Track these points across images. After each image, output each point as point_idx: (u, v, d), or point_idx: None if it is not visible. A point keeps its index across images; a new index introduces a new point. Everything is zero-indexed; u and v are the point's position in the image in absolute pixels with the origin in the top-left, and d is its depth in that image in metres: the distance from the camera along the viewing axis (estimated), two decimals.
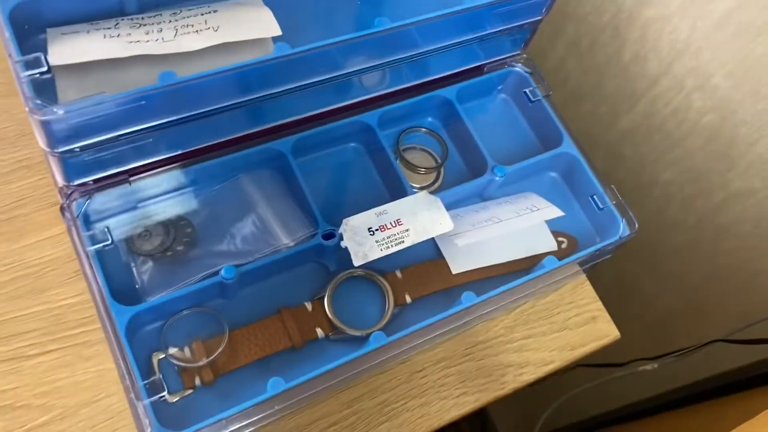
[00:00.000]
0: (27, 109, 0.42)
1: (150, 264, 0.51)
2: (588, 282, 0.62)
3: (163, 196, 0.53)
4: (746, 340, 0.75)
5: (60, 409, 0.49)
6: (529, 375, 0.58)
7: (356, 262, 0.50)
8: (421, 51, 0.55)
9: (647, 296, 0.95)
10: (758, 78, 0.67)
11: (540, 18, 0.58)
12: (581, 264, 0.56)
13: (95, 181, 0.49)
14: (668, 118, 0.79)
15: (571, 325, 0.60)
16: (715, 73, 0.71)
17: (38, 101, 0.42)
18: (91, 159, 0.47)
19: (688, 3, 0.69)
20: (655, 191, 0.87)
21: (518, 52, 0.62)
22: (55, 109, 0.42)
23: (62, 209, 0.49)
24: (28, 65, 0.43)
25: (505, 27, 0.57)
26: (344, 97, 0.56)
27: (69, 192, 0.49)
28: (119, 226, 0.51)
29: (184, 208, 0.53)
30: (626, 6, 0.76)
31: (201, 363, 0.48)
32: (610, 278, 0.96)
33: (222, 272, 0.48)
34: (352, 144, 0.59)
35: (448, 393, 0.55)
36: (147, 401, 0.44)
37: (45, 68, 0.43)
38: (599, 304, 0.61)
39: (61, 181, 0.48)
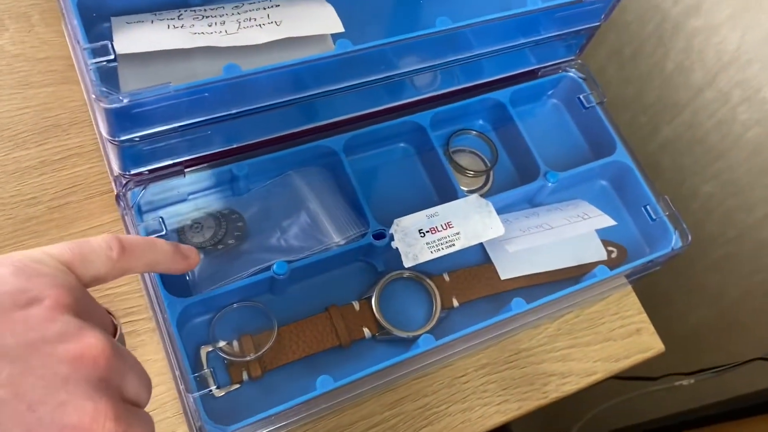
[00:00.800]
0: (92, 96, 0.42)
1: (201, 256, 0.50)
2: (633, 293, 0.61)
3: (215, 189, 0.53)
4: None
5: None
6: (572, 385, 0.57)
7: (406, 264, 0.50)
8: (477, 53, 0.54)
9: (681, 309, 0.94)
10: None
11: (598, 24, 0.58)
12: (630, 275, 0.55)
13: (150, 171, 0.49)
14: (711, 131, 0.78)
15: (616, 336, 0.59)
16: (764, 86, 0.70)
17: (104, 88, 0.42)
18: (149, 149, 0.47)
19: (738, 14, 0.68)
20: (695, 204, 0.86)
21: (572, 57, 0.61)
22: (120, 97, 0.42)
23: (117, 198, 0.49)
24: (95, 53, 0.43)
25: (562, 32, 0.57)
26: (397, 96, 0.56)
27: (125, 181, 0.49)
28: (171, 217, 0.52)
29: (235, 202, 0.53)
30: (671, 15, 0.75)
31: (249, 357, 0.48)
32: (644, 289, 0.95)
33: (273, 268, 0.48)
34: (402, 144, 0.59)
35: (490, 399, 0.55)
36: (196, 394, 0.44)
37: (111, 56, 0.43)
38: (644, 316, 0.61)
39: (117, 169, 0.48)
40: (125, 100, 0.42)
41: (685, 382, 0.74)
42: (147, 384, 0.32)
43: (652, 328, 0.61)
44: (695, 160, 0.83)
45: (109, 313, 0.33)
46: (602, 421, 1.01)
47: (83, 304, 0.30)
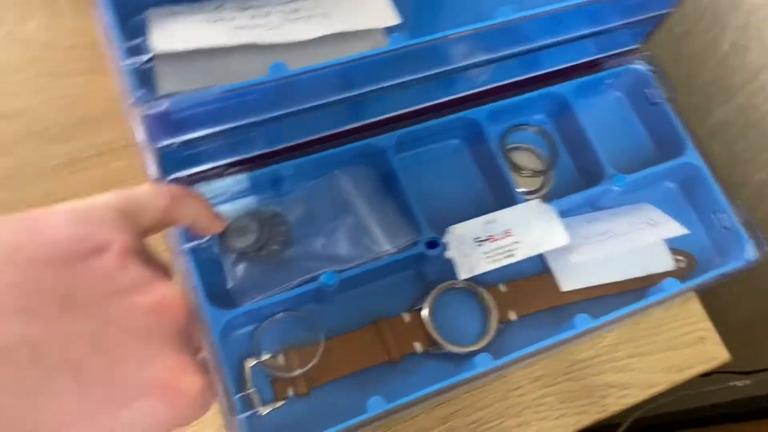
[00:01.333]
0: (129, 101, 0.38)
1: (244, 263, 0.47)
2: (696, 298, 0.57)
3: (257, 191, 0.50)
4: None
5: None
6: (632, 398, 0.54)
7: (462, 276, 0.47)
8: (538, 45, 0.50)
9: (734, 303, 0.90)
10: None
11: (668, 11, 0.53)
12: (701, 287, 0.51)
13: (190, 176, 0.45)
14: None
15: (679, 345, 0.56)
16: None
17: (141, 93, 0.38)
18: (189, 153, 0.43)
19: None
20: (746, 192, 0.81)
21: (636, 46, 0.56)
22: (159, 103, 0.38)
23: None
24: (131, 52, 0.39)
25: (629, 20, 0.52)
26: (451, 91, 0.52)
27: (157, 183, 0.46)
28: None
29: (278, 204, 0.50)
30: None
31: (296, 373, 0.45)
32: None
33: (322, 278, 0.45)
34: (454, 141, 0.55)
35: (547, 414, 0.52)
36: (242, 417, 0.42)
37: (149, 56, 0.39)
38: (708, 323, 0.57)
39: (155, 174, 0.44)
40: (165, 105, 0.38)
41: (740, 383, 0.70)
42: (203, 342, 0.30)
43: (716, 337, 0.57)
44: (749, 145, 0.77)
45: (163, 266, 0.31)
46: (646, 420, 0.98)
47: (146, 253, 0.28)
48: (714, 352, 0.56)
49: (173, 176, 0.45)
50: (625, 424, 0.73)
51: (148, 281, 0.26)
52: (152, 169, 0.44)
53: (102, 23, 0.41)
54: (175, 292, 0.26)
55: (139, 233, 0.29)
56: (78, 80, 0.55)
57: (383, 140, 0.50)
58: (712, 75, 0.77)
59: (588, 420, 0.52)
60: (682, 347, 0.56)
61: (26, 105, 0.54)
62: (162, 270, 0.29)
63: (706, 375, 0.77)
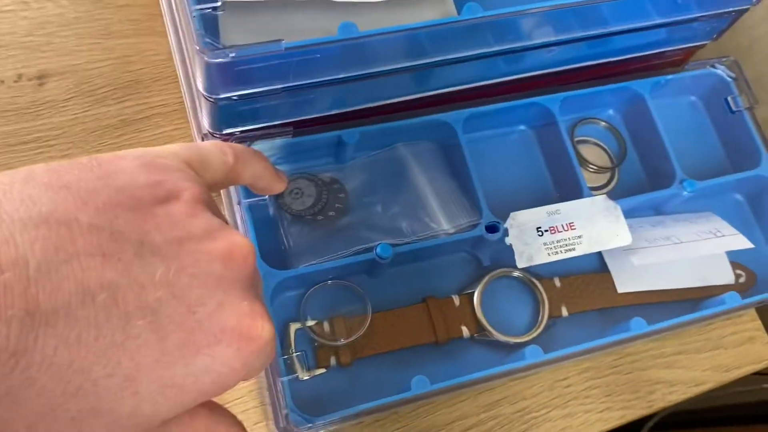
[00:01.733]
0: (195, 47, 0.30)
1: (299, 226, 0.40)
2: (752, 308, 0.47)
3: (317, 156, 0.42)
4: None
5: None
6: (679, 395, 0.45)
7: (520, 264, 0.38)
8: (611, 29, 0.40)
9: None
10: None
11: (748, 7, 0.42)
12: (761, 304, 0.41)
13: (243, 132, 0.37)
14: None
15: (727, 344, 0.46)
16: None
17: (208, 40, 0.30)
18: (247, 108, 0.36)
19: None
20: None
21: (707, 41, 0.46)
22: (227, 51, 0.30)
23: None
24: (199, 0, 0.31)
25: (707, 13, 0.42)
26: (518, 68, 0.43)
27: (209, 139, 0.38)
28: None
29: (338, 171, 0.42)
30: None
31: (341, 342, 0.37)
32: None
33: (377, 250, 0.37)
34: (521, 126, 0.46)
35: (593, 406, 0.43)
36: (285, 379, 0.35)
37: (218, 3, 0.31)
38: (758, 323, 0.47)
39: (208, 127, 0.37)
40: (231, 55, 0.30)
41: None
42: None
43: (766, 337, 0.47)
44: None
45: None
46: (674, 416, 0.88)
47: (214, 204, 0.25)
48: (763, 353, 0.47)
49: (228, 131, 0.37)
50: (654, 420, 0.63)
51: (219, 229, 0.22)
52: (207, 121, 0.36)
53: None
54: (244, 239, 0.23)
55: (207, 186, 0.25)
56: (130, 41, 0.47)
57: (452, 116, 0.41)
58: (759, 71, 0.65)
59: (633, 415, 0.44)
60: (730, 346, 0.46)
61: (77, 63, 0.45)
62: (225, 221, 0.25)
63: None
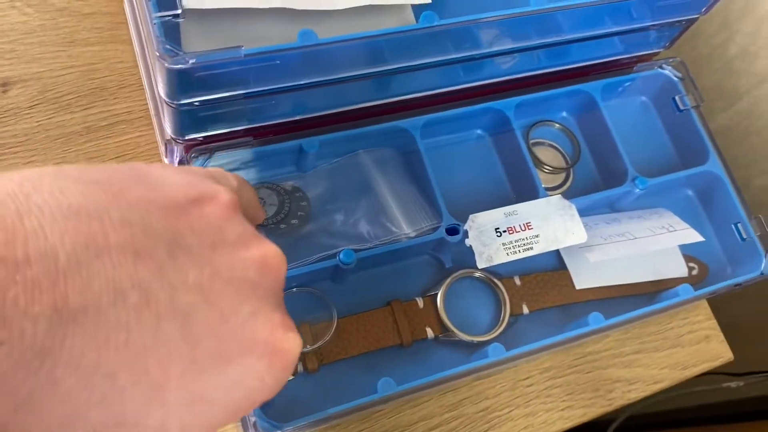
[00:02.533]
0: (155, 53, 0.31)
1: (262, 235, 0.40)
2: (705, 299, 0.49)
3: (280, 165, 0.42)
4: None
5: None
6: (638, 392, 0.46)
7: (480, 265, 0.39)
8: (567, 38, 0.42)
9: (726, 304, 0.82)
10: None
11: (697, 17, 0.45)
12: (713, 295, 0.44)
13: (206, 137, 0.38)
14: None
15: (684, 342, 0.48)
16: None
17: (168, 46, 0.31)
18: (209, 114, 0.36)
19: None
20: (745, 197, 0.73)
21: (661, 49, 0.48)
22: (186, 58, 0.31)
23: (180, 165, 0.38)
24: (161, 5, 0.32)
25: (658, 22, 0.44)
26: (477, 76, 0.44)
27: (173, 146, 0.38)
28: None
29: (300, 179, 0.42)
30: None
31: (307, 349, 0.38)
32: None
33: (340, 256, 0.38)
34: (478, 131, 0.47)
35: (554, 405, 0.44)
36: None
37: (179, 11, 0.32)
38: (714, 322, 0.49)
39: (171, 133, 0.37)
40: (191, 62, 0.31)
41: (733, 384, 0.63)
42: None
43: (721, 336, 0.49)
44: (748, 151, 0.69)
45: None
46: (637, 418, 0.90)
47: (245, 213, 0.24)
48: (718, 351, 0.49)
49: (191, 136, 0.37)
50: (618, 421, 0.65)
51: (253, 236, 0.22)
52: (170, 127, 0.37)
53: None
54: (278, 249, 0.22)
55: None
56: (95, 48, 0.46)
57: (410, 123, 0.42)
58: (717, 79, 0.69)
59: (594, 413, 0.45)
60: (687, 345, 0.48)
61: (41, 71, 0.45)
62: None
63: (700, 375, 0.69)
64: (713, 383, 0.63)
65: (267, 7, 0.34)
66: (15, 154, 0.43)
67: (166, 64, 0.31)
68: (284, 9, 0.36)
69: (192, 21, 0.35)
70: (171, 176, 0.21)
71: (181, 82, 0.33)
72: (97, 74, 0.46)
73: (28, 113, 0.44)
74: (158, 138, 0.45)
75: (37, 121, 0.44)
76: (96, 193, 0.18)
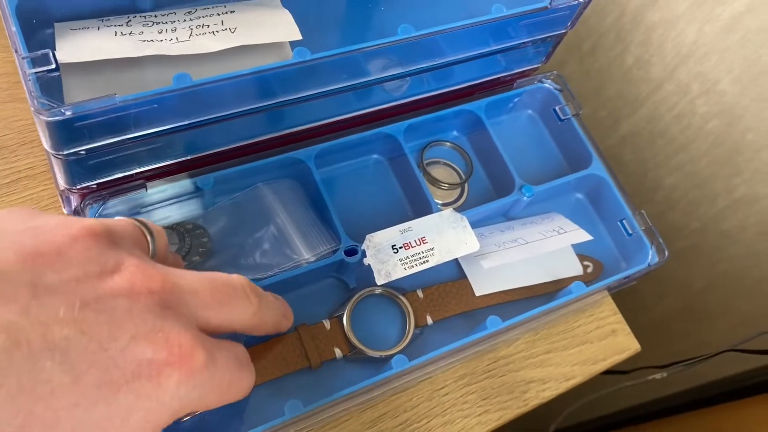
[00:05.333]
0: (32, 108, 0.33)
1: None
2: (608, 295, 0.53)
3: (176, 203, 0.44)
4: (757, 350, 0.66)
5: None
6: (552, 390, 0.49)
7: (379, 281, 0.42)
8: (444, 60, 0.46)
9: (647, 300, 0.86)
10: (766, 85, 0.58)
11: (564, 31, 0.50)
12: (609, 289, 0.47)
13: (99, 185, 0.40)
14: (672, 123, 0.71)
15: (592, 338, 0.51)
16: (722, 78, 0.62)
17: (44, 100, 0.33)
18: (96, 162, 0.38)
19: (695, 7, 0.61)
20: (658, 196, 0.78)
21: (539, 64, 0.53)
22: (62, 110, 0.33)
23: (76, 213, 0.40)
24: (36, 62, 0.34)
25: (529, 39, 0.48)
26: (366, 104, 0.47)
27: (73, 196, 0.40)
28: None
29: (201, 216, 0.45)
30: (630, 9, 0.67)
31: None
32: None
33: None
34: (375, 156, 0.50)
35: (471, 411, 0.47)
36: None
37: (53, 66, 0.34)
38: (619, 316, 0.52)
39: (63, 184, 0.39)
40: (68, 113, 0.33)
41: (658, 376, 0.66)
42: (228, 301, 0.25)
43: (627, 329, 0.52)
44: (657, 152, 0.75)
45: (143, 227, 0.26)
46: (576, 417, 0.94)
47: (113, 236, 0.23)
48: (626, 344, 0.52)
49: (83, 185, 0.39)
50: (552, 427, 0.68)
51: (116, 262, 0.22)
52: (62, 179, 0.39)
53: (8, 36, 0.36)
54: (147, 269, 0.22)
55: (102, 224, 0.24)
56: None
57: (303, 153, 0.45)
58: (618, 88, 0.75)
59: (510, 415, 0.48)
60: (595, 341, 0.51)
61: None
62: (133, 239, 0.25)
63: (625, 372, 0.73)
64: (639, 377, 0.66)
65: (141, 55, 0.37)
66: None
67: (44, 117, 0.33)
68: (165, 56, 0.38)
69: (73, 73, 0.37)
70: (19, 220, 0.22)
71: (62, 133, 0.35)
72: None
73: None
74: (56, 186, 0.47)
75: None
76: None
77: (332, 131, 0.47)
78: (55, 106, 0.33)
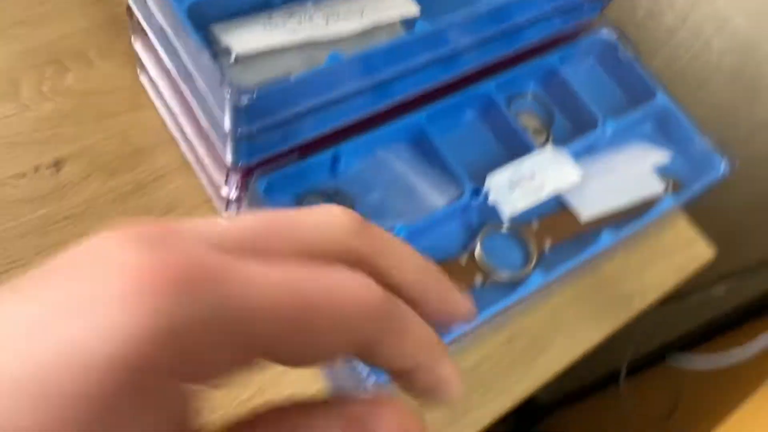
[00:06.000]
0: (225, 93, 0.39)
1: None
2: (683, 210, 0.61)
3: (315, 173, 0.51)
4: None
5: None
6: (653, 294, 0.58)
7: (504, 217, 0.48)
8: (519, 21, 0.52)
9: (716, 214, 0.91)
10: None
11: None
12: (689, 201, 0.54)
13: (260, 162, 0.46)
14: (688, 65, 0.77)
15: (675, 248, 0.61)
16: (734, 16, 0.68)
17: (233, 86, 0.39)
18: (261, 141, 0.44)
19: None
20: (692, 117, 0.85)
21: (595, 17, 0.59)
22: (249, 92, 0.39)
23: (245, 187, 0.46)
24: (218, 54, 0.40)
25: None
26: (461, 67, 0.54)
27: (238, 174, 0.46)
28: (285, 206, 0.49)
29: (339, 182, 0.51)
30: None
31: None
32: None
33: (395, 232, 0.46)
34: (471, 112, 0.57)
35: (588, 324, 0.55)
36: None
37: (234, 56, 0.40)
38: (694, 228, 0.61)
39: (231, 161, 0.45)
40: (254, 94, 0.39)
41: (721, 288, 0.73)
42: None
43: (701, 238, 0.61)
44: (677, 92, 0.81)
45: None
46: (648, 353, 0.99)
47: None
48: (702, 251, 0.60)
49: (245, 162, 0.45)
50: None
51: None
52: (229, 157, 0.45)
53: (177, 39, 0.42)
54: None
55: None
56: (123, 118, 0.55)
57: (416, 117, 0.52)
58: (635, 38, 0.81)
59: (619, 322, 0.55)
60: (677, 250, 0.60)
61: (85, 145, 0.53)
62: None
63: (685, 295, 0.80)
64: (703, 289, 0.73)
65: (293, 43, 0.43)
66: (82, 222, 0.50)
67: (233, 102, 0.39)
68: (304, 42, 0.45)
69: (240, 63, 0.44)
70: None
71: (242, 114, 0.41)
72: (133, 139, 0.54)
73: (85, 183, 0.51)
74: (202, 180, 0.53)
75: (93, 189, 0.51)
76: None
77: (436, 96, 0.53)
78: (244, 89, 0.39)
